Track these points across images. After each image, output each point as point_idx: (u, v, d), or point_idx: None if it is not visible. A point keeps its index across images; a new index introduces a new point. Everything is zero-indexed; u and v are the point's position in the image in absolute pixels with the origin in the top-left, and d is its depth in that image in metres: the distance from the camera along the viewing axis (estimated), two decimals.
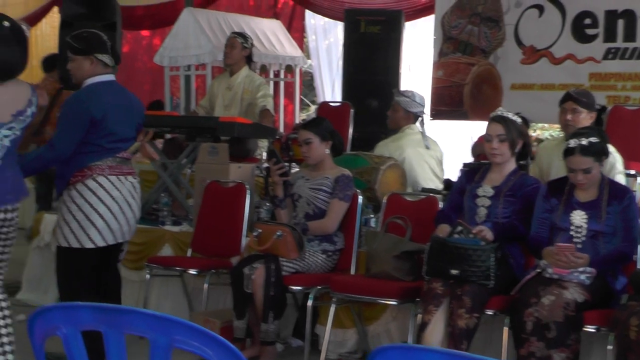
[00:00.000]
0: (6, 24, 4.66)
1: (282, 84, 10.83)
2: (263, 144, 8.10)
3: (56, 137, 5.24)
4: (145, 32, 12.87)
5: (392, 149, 7.07)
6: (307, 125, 6.20)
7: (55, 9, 13.37)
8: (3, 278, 4.90)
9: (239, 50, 8.22)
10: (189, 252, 6.65)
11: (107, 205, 5.25)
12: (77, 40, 5.38)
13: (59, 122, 5.33)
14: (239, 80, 8.24)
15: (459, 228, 5.21)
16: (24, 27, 4.73)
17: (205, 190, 6.72)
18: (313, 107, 13.85)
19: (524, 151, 5.57)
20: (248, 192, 6.54)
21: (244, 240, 6.40)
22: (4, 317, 4.82)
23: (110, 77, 5.37)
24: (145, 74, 12.47)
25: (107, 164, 5.28)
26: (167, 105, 10.37)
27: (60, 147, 5.20)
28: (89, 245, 5.25)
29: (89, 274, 5.36)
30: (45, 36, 14.24)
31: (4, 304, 4.84)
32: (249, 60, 8.34)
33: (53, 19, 13.84)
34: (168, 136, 8.25)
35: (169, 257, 6.73)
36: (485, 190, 5.42)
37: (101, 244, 5.27)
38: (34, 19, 13.56)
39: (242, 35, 8.42)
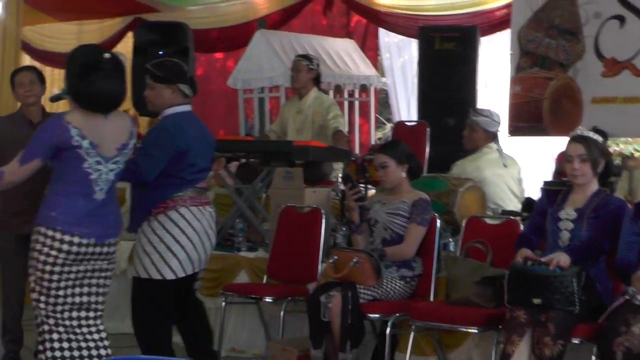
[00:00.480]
0: (107, 55, 4.68)
1: (356, 103, 10.71)
2: (338, 166, 7.99)
3: (142, 160, 5.25)
4: (218, 55, 12.84)
5: (470, 169, 6.91)
6: (383, 148, 6.09)
7: (130, 35, 13.45)
8: (103, 311, 4.90)
9: (305, 72, 8.14)
10: (265, 279, 6.58)
11: (189, 236, 5.31)
12: (159, 68, 5.43)
13: (144, 148, 5.35)
14: (309, 103, 8.16)
15: (529, 262, 5.05)
16: (121, 58, 4.72)
17: (280, 216, 6.65)
18: (389, 126, 13.72)
19: (607, 170, 5.36)
20: (324, 217, 6.44)
21: (321, 266, 6.29)
22: (105, 347, 4.82)
23: (188, 107, 5.43)
24: (219, 97, 12.43)
25: (188, 195, 5.34)
26: (242, 128, 10.34)
27: (145, 171, 5.23)
28: (170, 276, 5.29)
29: (169, 304, 5.40)
30: None
31: (103, 334, 4.85)
32: (317, 81, 8.23)
33: (127, 44, 13.91)
34: (242, 160, 8.19)
35: (245, 285, 6.66)
36: (568, 212, 5.23)
37: (181, 274, 5.33)
38: (109, 44, 13.62)
39: (307, 57, 8.32)
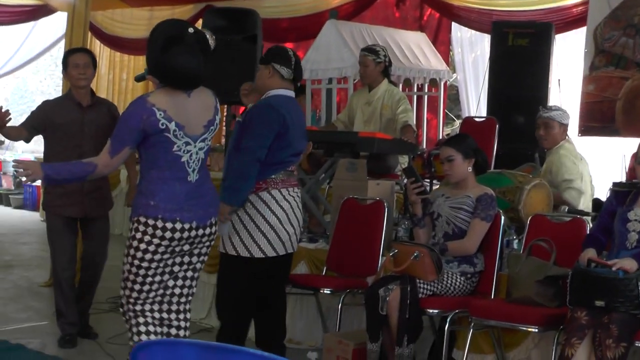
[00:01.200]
0: (191, 30, 4.55)
1: (425, 98, 10.64)
2: (404, 160, 7.93)
3: (252, 141, 5.35)
4: (289, 45, 12.84)
5: (579, 165, 6.78)
6: (449, 142, 6.04)
7: (200, 22, 13.54)
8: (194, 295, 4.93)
9: (373, 67, 8.07)
10: (324, 270, 6.57)
11: (278, 216, 5.46)
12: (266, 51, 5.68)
13: (250, 127, 5.40)
14: (379, 95, 8.10)
15: (593, 265, 4.98)
16: (208, 35, 4.66)
17: (341, 207, 6.63)
18: (458, 122, 13.63)
19: None
20: (386, 209, 6.40)
21: (381, 260, 6.26)
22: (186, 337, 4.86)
23: (290, 92, 5.56)
24: None
25: (280, 178, 5.49)
26: (308, 119, 10.31)
27: (257, 150, 5.33)
28: (258, 255, 5.42)
29: (254, 285, 5.53)
30: None
31: (185, 323, 4.85)
32: (386, 72, 8.17)
33: None
34: None
35: (303, 275, 6.65)
36: (637, 213, 5.14)
37: (271, 254, 5.45)
38: None
39: (372, 50, 8.19)
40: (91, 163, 4.59)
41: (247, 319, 5.65)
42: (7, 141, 20.48)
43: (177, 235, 4.56)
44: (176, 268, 4.71)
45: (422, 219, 5.94)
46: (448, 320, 5.52)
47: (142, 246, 4.57)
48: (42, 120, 6.53)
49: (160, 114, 4.49)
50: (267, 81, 5.52)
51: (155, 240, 4.55)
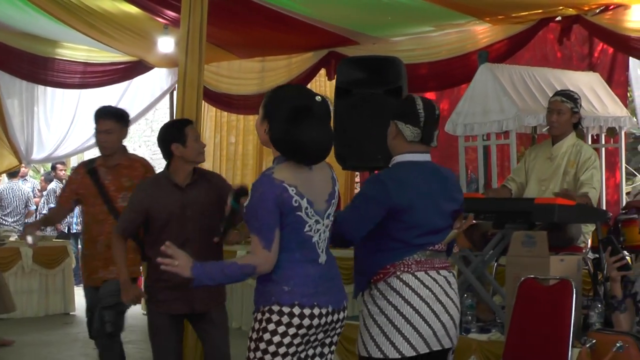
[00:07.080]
0: (318, 98, 4.77)
1: (603, 151, 10.42)
2: (587, 229, 7.86)
3: (345, 214, 5.27)
4: (429, 95, 12.80)
5: None
6: None
7: (323, 73, 13.67)
8: None
9: (569, 116, 8.05)
10: None
11: (415, 307, 5.19)
12: (399, 101, 5.60)
13: (352, 201, 5.41)
14: (564, 149, 8.08)
15: None
16: (329, 102, 4.86)
17: (519, 289, 6.60)
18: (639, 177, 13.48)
19: None
20: (574, 291, 6.36)
21: (571, 352, 6.22)
22: None
23: (422, 156, 5.31)
24: None
25: (413, 259, 5.24)
26: (461, 182, 10.21)
27: (347, 227, 5.20)
28: (393, 355, 5.20)
29: None
30: None
31: None
32: (576, 125, 8.16)
33: (319, 85, 14.15)
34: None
35: None
36: None
37: (409, 353, 5.20)
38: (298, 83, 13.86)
39: (570, 96, 8.15)
40: (248, 265, 4.74)
41: None
42: None
43: (315, 322, 4.77)
44: None
45: (623, 301, 5.89)
46: None
47: (276, 338, 4.72)
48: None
49: (292, 190, 4.71)
50: (392, 142, 5.35)
51: (292, 330, 4.72)
